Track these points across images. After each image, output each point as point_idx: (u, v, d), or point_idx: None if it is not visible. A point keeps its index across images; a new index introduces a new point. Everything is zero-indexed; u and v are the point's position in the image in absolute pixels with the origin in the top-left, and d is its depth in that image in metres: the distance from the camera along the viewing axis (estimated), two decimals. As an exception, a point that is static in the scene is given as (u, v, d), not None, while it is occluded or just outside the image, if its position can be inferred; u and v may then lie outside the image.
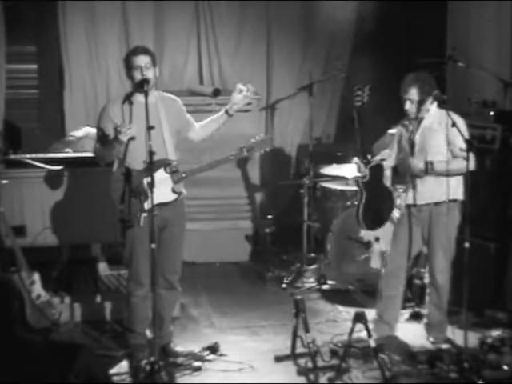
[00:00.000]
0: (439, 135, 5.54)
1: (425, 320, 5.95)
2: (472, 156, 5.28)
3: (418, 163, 5.58)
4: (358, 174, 5.88)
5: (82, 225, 6.28)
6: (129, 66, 5.32)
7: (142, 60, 5.28)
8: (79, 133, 6.87)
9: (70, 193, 6.31)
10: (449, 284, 5.76)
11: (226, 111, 5.53)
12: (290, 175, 8.79)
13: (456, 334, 5.65)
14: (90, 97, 8.18)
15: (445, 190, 5.56)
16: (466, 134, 5.40)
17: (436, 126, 5.56)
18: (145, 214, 5.22)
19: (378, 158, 5.86)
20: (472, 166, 5.30)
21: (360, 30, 8.59)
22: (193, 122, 5.59)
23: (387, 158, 5.86)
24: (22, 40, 8.05)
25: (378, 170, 5.87)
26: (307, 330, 5.53)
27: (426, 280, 5.96)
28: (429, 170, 5.55)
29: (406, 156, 5.68)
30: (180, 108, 5.54)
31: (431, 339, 5.81)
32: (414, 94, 5.47)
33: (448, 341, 5.75)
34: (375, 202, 6.00)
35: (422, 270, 6.32)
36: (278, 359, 5.61)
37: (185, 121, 5.55)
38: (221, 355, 5.65)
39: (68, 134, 7.23)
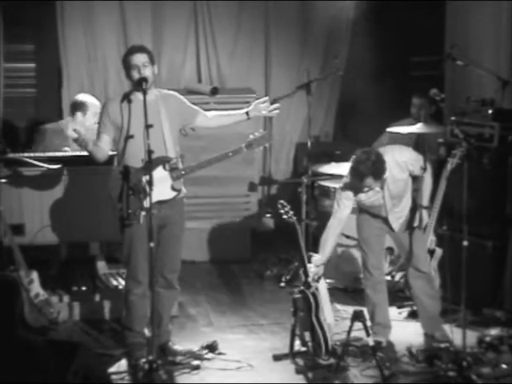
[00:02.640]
0: (403, 178, 5.62)
1: (421, 317, 5.90)
2: (429, 167, 5.68)
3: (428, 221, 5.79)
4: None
5: (80, 223, 6.26)
6: (127, 67, 5.32)
7: (139, 59, 5.28)
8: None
9: (68, 191, 6.29)
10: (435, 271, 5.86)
11: (247, 113, 5.54)
12: (289, 174, 8.79)
13: (454, 333, 5.65)
14: (87, 96, 8.19)
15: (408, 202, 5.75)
16: (420, 160, 5.63)
17: (398, 175, 5.58)
18: (144, 213, 5.22)
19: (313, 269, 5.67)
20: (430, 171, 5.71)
21: (358, 28, 8.58)
22: (198, 110, 5.55)
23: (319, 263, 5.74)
24: (21, 39, 8.03)
25: (305, 299, 5.54)
26: (306, 329, 5.54)
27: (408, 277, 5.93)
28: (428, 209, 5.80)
29: (380, 208, 5.69)
30: (181, 102, 5.51)
31: (436, 337, 5.75)
32: (370, 182, 5.43)
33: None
34: None
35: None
36: (277, 358, 5.61)
37: (188, 112, 5.51)
38: (219, 354, 5.66)
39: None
